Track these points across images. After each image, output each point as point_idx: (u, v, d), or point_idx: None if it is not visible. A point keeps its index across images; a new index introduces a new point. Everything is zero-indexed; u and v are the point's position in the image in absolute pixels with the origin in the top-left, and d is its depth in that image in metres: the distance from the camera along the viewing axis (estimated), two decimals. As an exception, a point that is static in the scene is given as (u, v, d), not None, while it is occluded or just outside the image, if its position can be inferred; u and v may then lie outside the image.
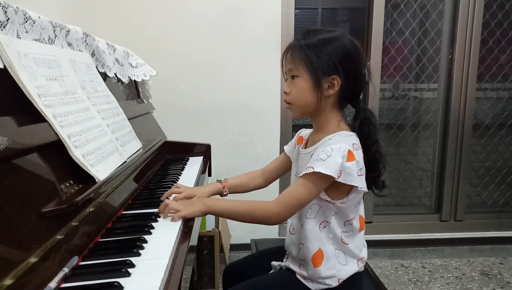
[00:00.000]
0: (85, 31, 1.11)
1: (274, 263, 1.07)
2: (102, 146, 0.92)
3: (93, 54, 1.18)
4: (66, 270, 0.62)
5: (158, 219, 0.89)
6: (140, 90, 1.71)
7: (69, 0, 1.89)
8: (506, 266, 2.21)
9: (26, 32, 0.81)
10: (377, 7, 2.20)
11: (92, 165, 0.82)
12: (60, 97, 0.83)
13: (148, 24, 2.05)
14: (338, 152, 0.85)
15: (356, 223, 0.95)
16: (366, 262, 1.04)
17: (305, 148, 1.01)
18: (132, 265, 0.66)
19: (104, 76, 1.22)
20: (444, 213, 2.45)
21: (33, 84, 0.75)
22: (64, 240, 0.66)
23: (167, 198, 1.00)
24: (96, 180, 0.81)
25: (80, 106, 0.91)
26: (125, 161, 1.00)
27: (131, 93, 1.61)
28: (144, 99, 1.73)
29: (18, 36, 0.78)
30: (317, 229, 0.93)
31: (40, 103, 0.74)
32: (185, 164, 1.47)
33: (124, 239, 0.78)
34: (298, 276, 0.97)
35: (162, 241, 0.78)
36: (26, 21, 0.80)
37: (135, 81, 1.62)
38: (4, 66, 0.70)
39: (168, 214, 0.89)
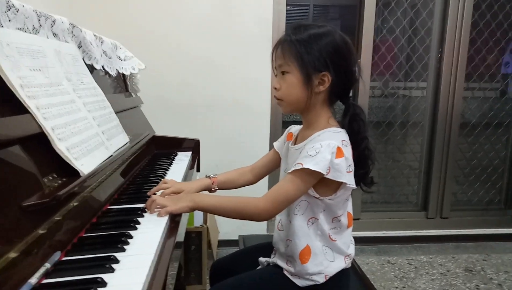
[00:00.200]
0: (71, 21, 1.09)
1: (261, 259, 1.06)
2: (87, 139, 0.90)
3: (79, 46, 1.15)
4: (48, 265, 0.60)
5: (144, 214, 0.87)
6: (128, 83, 1.68)
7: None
8: (489, 262, 2.25)
9: (9, 20, 0.78)
10: (368, 5, 2.20)
11: (76, 158, 0.80)
12: (44, 89, 0.81)
13: (137, 17, 2.02)
14: (327, 149, 0.84)
15: (344, 219, 0.95)
16: (353, 259, 1.04)
17: (295, 144, 1.00)
18: (116, 261, 0.65)
19: (91, 68, 1.19)
20: (430, 210, 2.49)
21: (16, 74, 0.72)
22: (46, 235, 0.64)
23: (154, 193, 0.98)
24: (81, 174, 0.79)
25: (65, 98, 0.88)
26: (111, 155, 0.99)
27: (118, 86, 1.58)
28: (132, 93, 1.70)
29: (1, 25, 0.75)
30: (305, 225, 0.93)
31: (23, 94, 0.72)
32: (173, 159, 1.45)
33: (109, 234, 0.76)
34: (285, 272, 0.97)
35: (148, 237, 0.76)
36: (9, 9, 0.78)
37: (123, 74, 1.59)
38: (-15, 55, 0.68)
39: (155, 210, 0.88)
